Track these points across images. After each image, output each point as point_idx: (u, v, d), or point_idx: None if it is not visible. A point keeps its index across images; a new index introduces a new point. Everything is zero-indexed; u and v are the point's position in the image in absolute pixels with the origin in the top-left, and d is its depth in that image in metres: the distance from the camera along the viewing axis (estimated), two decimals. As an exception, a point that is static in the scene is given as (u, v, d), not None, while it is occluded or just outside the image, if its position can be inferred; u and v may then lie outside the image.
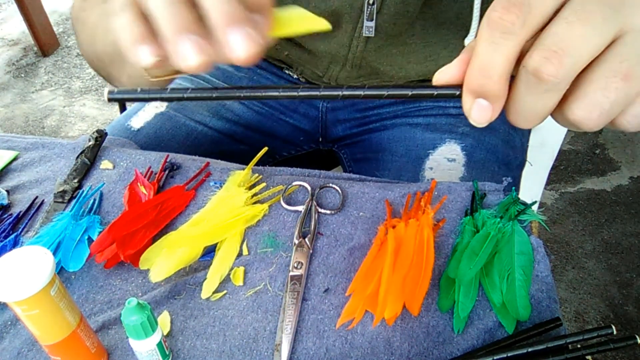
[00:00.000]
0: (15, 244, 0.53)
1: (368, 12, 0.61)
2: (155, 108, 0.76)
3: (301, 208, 0.56)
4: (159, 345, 0.40)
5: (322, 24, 0.31)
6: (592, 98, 0.25)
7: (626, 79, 0.24)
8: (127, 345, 0.45)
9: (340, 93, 0.29)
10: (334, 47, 0.68)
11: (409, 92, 0.28)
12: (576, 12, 0.24)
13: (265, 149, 0.60)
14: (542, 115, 0.26)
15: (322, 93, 0.29)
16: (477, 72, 0.26)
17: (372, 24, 0.62)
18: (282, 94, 0.29)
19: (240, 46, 0.28)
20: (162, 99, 0.30)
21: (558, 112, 0.27)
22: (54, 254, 0.51)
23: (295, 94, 0.29)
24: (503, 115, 0.28)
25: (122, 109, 1.05)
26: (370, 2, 0.60)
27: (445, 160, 0.68)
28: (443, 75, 0.29)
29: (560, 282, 1.43)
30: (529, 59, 0.25)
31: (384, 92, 0.28)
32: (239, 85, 0.29)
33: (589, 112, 0.25)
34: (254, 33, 0.29)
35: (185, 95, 0.29)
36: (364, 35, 0.64)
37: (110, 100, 0.30)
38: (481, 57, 0.26)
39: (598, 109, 0.25)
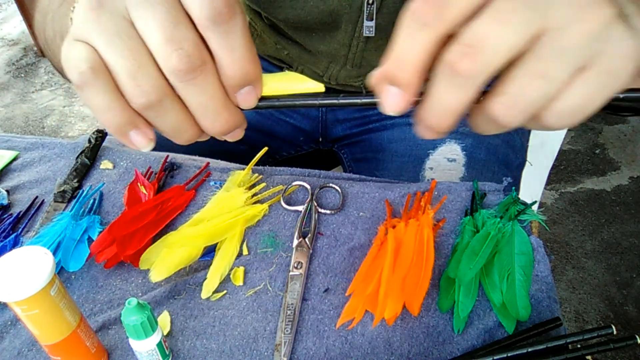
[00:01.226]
0: (15, 244, 0.53)
1: (368, 11, 0.61)
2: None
3: (301, 208, 0.56)
4: (159, 345, 0.40)
5: (315, 86, 0.30)
6: (511, 96, 0.25)
7: (544, 78, 0.24)
8: (127, 345, 0.45)
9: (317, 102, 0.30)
10: (334, 47, 0.68)
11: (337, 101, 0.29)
12: (496, 10, 0.24)
13: (265, 149, 0.60)
14: (454, 111, 0.26)
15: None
16: (391, 59, 0.26)
17: (372, 23, 0.62)
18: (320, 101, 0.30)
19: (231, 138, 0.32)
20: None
21: (478, 108, 0.27)
22: (54, 254, 0.51)
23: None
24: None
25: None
26: (370, 1, 0.60)
27: (446, 160, 0.68)
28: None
29: (560, 282, 1.43)
30: (446, 53, 0.25)
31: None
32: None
33: (507, 109, 0.26)
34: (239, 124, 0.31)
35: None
36: (364, 35, 0.64)
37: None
38: (397, 45, 0.26)
39: (516, 106, 0.25)
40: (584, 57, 0.24)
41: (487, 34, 0.24)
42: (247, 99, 0.30)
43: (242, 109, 0.30)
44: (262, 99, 0.30)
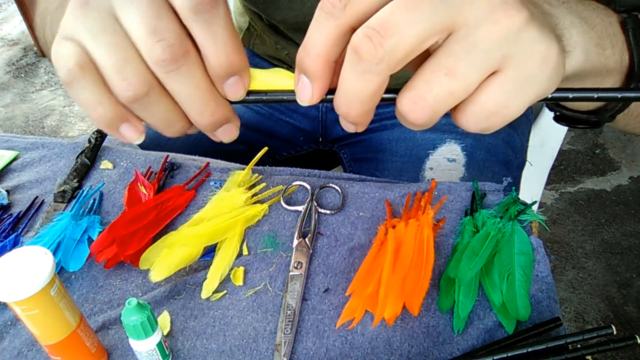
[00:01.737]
0: (15, 244, 0.53)
1: None
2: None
3: (301, 208, 0.56)
4: (159, 345, 0.40)
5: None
6: (416, 90, 0.25)
7: (450, 75, 0.24)
8: (127, 345, 0.45)
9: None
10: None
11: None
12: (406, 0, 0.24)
13: (265, 149, 0.60)
14: (361, 98, 0.26)
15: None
16: (300, 49, 0.27)
17: None
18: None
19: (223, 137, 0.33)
20: None
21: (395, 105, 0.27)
22: (54, 254, 0.51)
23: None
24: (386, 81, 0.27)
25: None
26: None
27: (446, 161, 0.68)
28: None
29: (560, 282, 1.43)
30: (353, 37, 0.24)
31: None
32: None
33: (413, 104, 0.25)
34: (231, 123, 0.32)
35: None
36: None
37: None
38: (307, 36, 0.26)
39: (421, 101, 0.25)
40: (495, 58, 0.24)
41: (394, 19, 0.23)
42: (235, 90, 0.29)
43: (232, 103, 0.30)
44: (251, 93, 0.30)
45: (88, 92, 0.28)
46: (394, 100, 0.27)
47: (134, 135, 0.30)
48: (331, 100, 0.28)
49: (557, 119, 0.42)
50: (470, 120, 0.26)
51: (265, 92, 0.30)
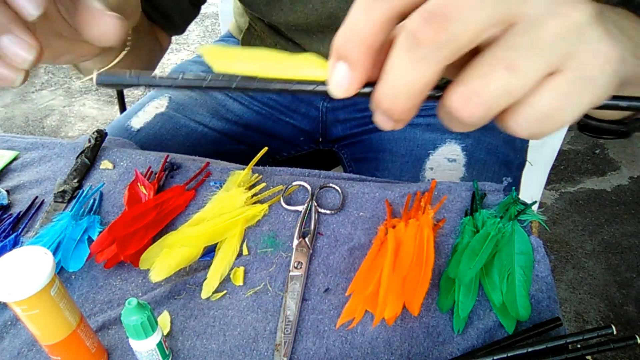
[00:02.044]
0: (15, 244, 0.53)
1: None
2: (155, 108, 0.76)
3: (301, 208, 0.56)
4: (159, 345, 0.40)
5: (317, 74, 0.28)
6: (470, 85, 0.22)
7: (510, 69, 0.22)
8: (127, 345, 0.45)
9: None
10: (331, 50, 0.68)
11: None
12: None
13: (265, 149, 0.60)
14: (413, 90, 0.23)
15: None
16: (341, 33, 0.24)
17: None
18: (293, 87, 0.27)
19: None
20: (150, 85, 0.28)
21: (441, 100, 0.25)
22: (54, 254, 0.51)
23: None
24: (441, 72, 0.25)
25: (122, 109, 1.05)
26: None
27: (446, 161, 0.68)
28: None
29: (560, 282, 1.43)
30: (408, 20, 0.22)
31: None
32: (233, 75, 0.27)
33: (465, 100, 0.23)
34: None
35: (174, 84, 0.27)
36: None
37: (99, 84, 0.28)
38: (349, 18, 0.24)
39: (475, 98, 0.22)
40: (557, 56, 0.22)
41: (456, 3, 0.22)
42: (13, 48, 0.29)
43: (255, 90, 0.28)
44: (276, 82, 0.27)
45: None
46: (437, 97, 0.25)
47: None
48: (366, 95, 0.26)
49: (581, 128, 0.40)
50: (521, 124, 0.24)
51: (292, 82, 0.27)
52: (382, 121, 0.26)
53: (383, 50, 0.24)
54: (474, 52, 0.23)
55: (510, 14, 0.22)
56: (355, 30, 0.24)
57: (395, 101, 0.24)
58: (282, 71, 0.27)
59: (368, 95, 0.26)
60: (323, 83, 0.26)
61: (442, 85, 0.24)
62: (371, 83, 0.25)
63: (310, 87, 0.26)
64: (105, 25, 0.32)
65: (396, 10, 0.23)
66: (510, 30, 0.22)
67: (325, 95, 0.26)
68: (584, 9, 0.22)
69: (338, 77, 0.25)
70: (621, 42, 0.24)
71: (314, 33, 0.67)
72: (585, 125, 0.39)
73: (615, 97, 0.25)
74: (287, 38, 0.74)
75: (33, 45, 0.30)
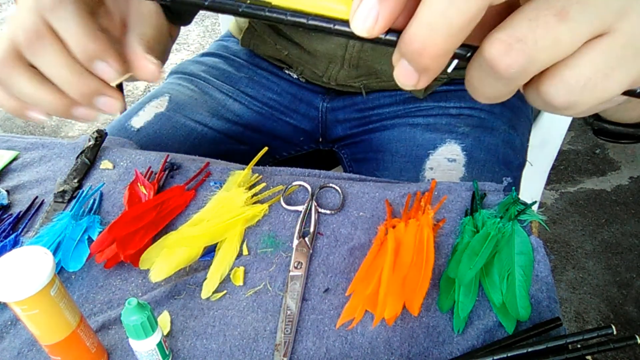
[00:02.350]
0: (15, 244, 0.53)
1: None
2: (155, 108, 0.76)
3: (301, 208, 0.56)
4: (159, 345, 0.40)
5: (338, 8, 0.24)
6: (517, 29, 0.20)
7: (560, 16, 0.20)
8: (127, 345, 0.45)
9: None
10: (331, 48, 0.68)
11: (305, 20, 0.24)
12: None
13: (265, 149, 0.60)
14: (453, 25, 0.20)
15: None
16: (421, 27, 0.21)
17: None
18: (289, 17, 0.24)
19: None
20: None
21: (477, 52, 0.22)
22: (54, 254, 0.51)
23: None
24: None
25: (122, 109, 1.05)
26: None
27: (446, 161, 0.68)
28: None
29: (560, 282, 1.43)
30: None
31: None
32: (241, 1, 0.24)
33: (508, 45, 0.20)
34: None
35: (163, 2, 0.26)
36: None
37: None
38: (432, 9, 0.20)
39: (520, 43, 0.20)
40: (610, 12, 0.20)
41: None
42: (104, 72, 0.34)
43: (266, 19, 0.25)
44: (291, 12, 0.24)
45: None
46: (467, 58, 0.22)
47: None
48: (391, 43, 0.22)
49: (596, 132, 0.38)
50: (561, 89, 0.21)
51: (309, 15, 0.23)
52: (406, 73, 0.23)
53: None
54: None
55: None
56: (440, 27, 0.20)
57: (430, 40, 0.20)
58: (301, 3, 0.23)
59: (392, 43, 0.22)
60: (344, 22, 0.23)
61: (473, 46, 0.22)
62: (396, 31, 0.22)
63: (329, 25, 0.23)
64: (145, 68, 0.36)
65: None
66: None
67: (345, 35, 0.23)
68: None
69: (363, 11, 0.21)
70: None
71: (313, 31, 0.67)
72: (601, 130, 0.38)
73: None
74: (288, 38, 0.74)
75: (119, 100, 0.37)
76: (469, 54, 0.22)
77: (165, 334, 0.45)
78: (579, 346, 0.40)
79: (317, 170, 0.61)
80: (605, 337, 0.40)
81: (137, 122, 0.74)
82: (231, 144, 0.77)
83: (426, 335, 0.44)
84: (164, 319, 0.47)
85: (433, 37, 0.20)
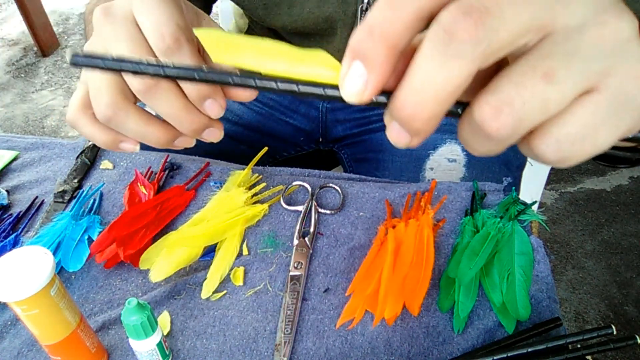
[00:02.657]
0: (15, 244, 0.53)
1: (362, 18, 0.61)
2: (156, 108, 0.76)
3: (301, 208, 0.56)
4: (159, 345, 0.40)
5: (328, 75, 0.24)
6: (504, 92, 0.20)
7: (546, 78, 0.20)
8: (127, 345, 0.45)
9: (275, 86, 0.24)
10: (330, 52, 0.68)
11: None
12: None
13: (265, 149, 0.60)
14: (441, 93, 0.20)
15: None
16: (362, 29, 0.21)
17: None
18: (280, 86, 0.24)
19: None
20: (134, 72, 0.25)
21: (467, 111, 0.22)
22: (54, 254, 0.51)
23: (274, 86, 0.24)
24: (472, 76, 0.23)
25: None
26: (364, 8, 0.60)
27: (446, 161, 0.68)
28: None
29: (560, 282, 1.43)
30: (443, 12, 0.20)
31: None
32: (230, 71, 0.24)
33: (497, 109, 0.20)
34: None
35: (164, 72, 0.25)
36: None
37: (73, 64, 0.25)
38: (373, 14, 0.21)
39: (508, 107, 0.20)
40: (595, 69, 0.21)
41: (497, 0, 0.20)
42: (212, 110, 0.36)
43: (258, 88, 0.25)
44: (280, 80, 0.24)
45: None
46: (457, 115, 0.22)
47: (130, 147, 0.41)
48: (381, 105, 0.23)
49: (594, 158, 0.40)
50: (551, 145, 0.21)
51: (299, 82, 0.23)
52: (398, 135, 0.23)
53: (403, 57, 0.22)
54: (498, 70, 0.22)
55: (551, 19, 0.20)
56: (379, 27, 0.21)
57: (420, 106, 0.21)
58: (288, 69, 0.23)
59: (383, 105, 0.23)
60: (334, 87, 0.23)
61: (463, 102, 0.22)
62: (387, 92, 0.22)
63: (319, 90, 0.23)
64: (212, 134, 0.39)
65: (428, 9, 0.21)
66: (549, 38, 0.21)
67: (335, 100, 0.23)
68: (629, 21, 0.21)
69: (353, 78, 0.22)
70: None
71: (311, 37, 0.67)
72: (599, 155, 0.38)
73: None
74: (286, 41, 0.74)
75: (221, 129, 0.39)
76: (459, 110, 0.23)
77: (165, 334, 0.45)
78: (579, 346, 0.40)
79: (317, 170, 0.61)
80: (605, 337, 0.40)
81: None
82: (231, 144, 0.77)
83: (426, 335, 0.44)
84: (164, 319, 0.47)
85: (423, 103, 0.21)
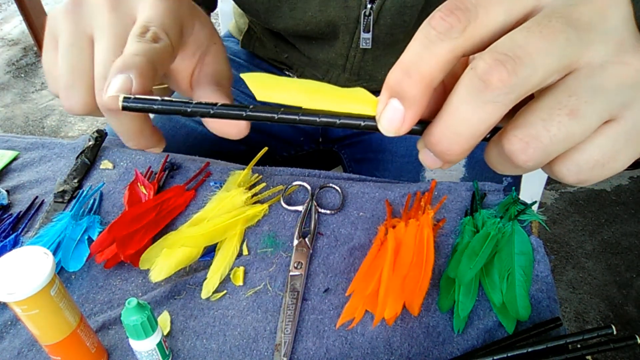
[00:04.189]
0: (15, 244, 0.53)
1: (364, 23, 0.61)
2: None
3: (301, 208, 0.56)
4: (159, 345, 0.40)
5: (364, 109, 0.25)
6: (532, 128, 0.22)
7: (572, 115, 0.22)
8: (127, 345, 0.45)
9: (317, 119, 0.25)
10: (332, 57, 0.68)
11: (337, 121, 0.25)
12: (540, 24, 0.22)
13: (265, 149, 0.60)
14: (475, 132, 0.23)
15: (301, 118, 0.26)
16: (398, 68, 0.23)
17: (369, 35, 0.62)
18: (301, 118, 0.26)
19: None
20: (183, 113, 0.26)
21: (494, 140, 0.24)
22: (54, 254, 0.51)
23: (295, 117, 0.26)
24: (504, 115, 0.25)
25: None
26: (367, 13, 0.60)
27: (446, 161, 0.68)
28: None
29: (560, 282, 1.43)
30: (479, 60, 0.22)
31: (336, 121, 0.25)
32: (275, 107, 0.25)
33: (525, 144, 0.22)
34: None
35: (212, 111, 0.26)
36: (361, 47, 0.64)
37: (125, 108, 0.26)
38: (407, 54, 0.23)
39: (536, 141, 0.22)
40: (616, 104, 0.22)
41: (529, 45, 0.21)
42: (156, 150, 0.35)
43: (306, 123, 0.27)
44: (322, 115, 0.25)
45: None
46: (487, 139, 0.24)
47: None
48: (418, 132, 0.25)
49: None
50: (572, 170, 0.23)
51: (339, 115, 0.25)
52: (431, 161, 0.26)
53: (436, 89, 0.24)
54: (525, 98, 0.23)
55: (576, 59, 0.22)
56: (416, 68, 0.23)
57: (455, 143, 0.23)
58: (328, 104, 0.25)
59: (418, 132, 0.25)
60: (372, 118, 0.25)
61: (493, 129, 0.24)
62: (421, 121, 0.24)
63: (357, 122, 0.25)
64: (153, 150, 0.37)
65: (461, 50, 0.23)
66: (573, 75, 0.22)
67: (374, 131, 0.25)
68: None
69: (390, 114, 0.24)
70: None
71: (313, 40, 0.67)
72: None
73: None
74: (287, 41, 0.74)
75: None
76: (488, 135, 0.25)
77: (165, 334, 0.45)
78: (579, 346, 0.40)
79: (317, 170, 0.61)
80: (605, 337, 0.40)
81: (137, 122, 0.74)
82: (231, 144, 0.77)
83: (426, 335, 0.44)
84: (164, 319, 0.47)
85: (458, 141, 0.23)
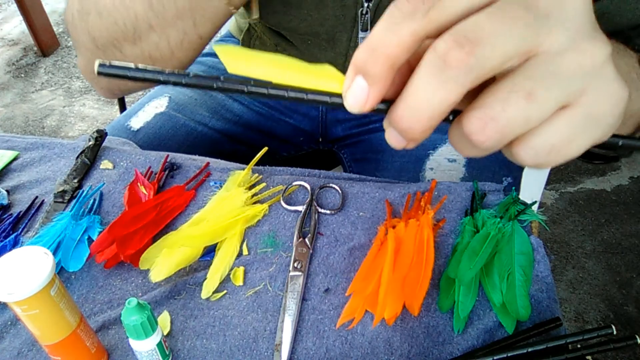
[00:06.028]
0: (15, 244, 0.53)
1: (362, 22, 0.61)
2: (155, 108, 0.76)
3: (301, 208, 0.56)
4: (159, 345, 0.40)
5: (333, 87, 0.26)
6: (490, 109, 0.23)
7: (528, 98, 0.22)
8: (127, 345, 0.45)
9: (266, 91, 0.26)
10: (331, 56, 0.68)
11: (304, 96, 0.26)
12: (501, 9, 0.22)
13: (265, 149, 0.60)
14: (435, 110, 0.23)
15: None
16: (364, 47, 0.24)
17: (367, 34, 0.62)
18: (289, 95, 0.27)
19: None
20: (156, 81, 0.26)
21: (456, 121, 0.25)
22: (54, 254, 0.51)
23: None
24: (463, 96, 0.26)
25: (122, 109, 1.05)
26: (364, 12, 0.60)
27: (446, 161, 0.68)
28: None
29: (560, 282, 1.43)
30: (439, 41, 0.22)
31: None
32: (245, 80, 0.26)
33: (483, 124, 0.23)
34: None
35: (184, 81, 0.26)
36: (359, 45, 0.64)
37: (100, 74, 0.26)
38: (373, 34, 0.24)
39: (492, 122, 0.23)
40: (573, 90, 0.23)
41: (487, 29, 0.22)
42: None
43: (267, 96, 0.27)
44: (289, 89, 0.26)
45: None
46: (449, 121, 0.25)
47: None
48: (381, 112, 0.25)
49: None
50: (529, 153, 0.24)
51: (307, 91, 0.26)
52: (395, 139, 0.26)
53: (401, 69, 0.24)
54: (487, 82, 0.24)
55: (534, 44, 0.22)
56: (380, 48, 0.24)
57: (416, 121, 0.24)
58: (297, 80, 0.26)
59: (383, 111, 0.25)
60: (339, 95, 0.26)
61: (455, 110, 0.25)
62: (385, 100, 0.25)
63: (325, 98, 0.26)
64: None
65: (424, 32, 0.23)
66: (532, 60, 0.23)
67: (339, 107, 0.26)
68: (604, 47, 0.23)
69: (355, 91, 0.25)
70: (625, 83, 0.24)
71: (309, 37, 0.67)
72: None
73: (613, 136, 0.25)
74: (287, 40, 0.74)
75: None
76: (451, 117, 0.25)
77: (165, 334, 0.45)
78: (579, 346, 0.40)
79: (317, 170, 0.61)
80: (605, 337, 0.40)
81: (137, 122, 0.74)
82: (231, 144, 0.77)
83: (426, 335, 0.44)
84: (164, 319, 0.47)
85: (419, 119, 0.24)
